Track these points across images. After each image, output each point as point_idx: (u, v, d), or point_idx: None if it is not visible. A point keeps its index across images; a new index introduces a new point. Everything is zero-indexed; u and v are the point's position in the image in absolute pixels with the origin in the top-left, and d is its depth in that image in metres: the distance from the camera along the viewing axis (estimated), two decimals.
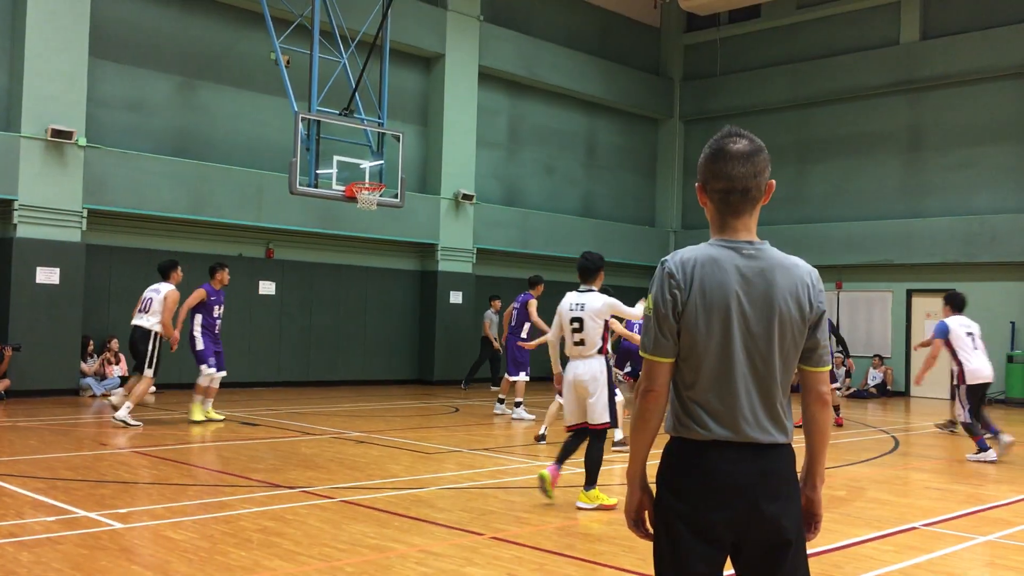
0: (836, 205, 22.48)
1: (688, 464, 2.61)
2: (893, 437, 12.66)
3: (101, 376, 15.33)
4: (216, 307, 12.37)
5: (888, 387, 20.58)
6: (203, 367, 12.10)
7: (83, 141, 14.85)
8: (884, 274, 21.30)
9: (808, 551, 2.70)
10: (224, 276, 12.60)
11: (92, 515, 6.46)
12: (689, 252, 2.66)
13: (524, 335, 13.88)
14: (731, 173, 2.65)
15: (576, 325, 7.41)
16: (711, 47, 25.01)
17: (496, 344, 18.13)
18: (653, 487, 2.72)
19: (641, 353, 2.71)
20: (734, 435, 2.58)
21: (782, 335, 2.60)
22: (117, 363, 15.52)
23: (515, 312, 14.27)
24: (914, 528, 6.87)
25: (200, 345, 12.14)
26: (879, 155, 21.99)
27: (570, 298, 7.59)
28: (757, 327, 2.59)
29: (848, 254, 21.47)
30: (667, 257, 2.68)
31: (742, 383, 2.59)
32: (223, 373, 12.45)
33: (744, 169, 2.65)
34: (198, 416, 12.03)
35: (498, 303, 18.43)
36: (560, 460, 7.45)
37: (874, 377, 20.71)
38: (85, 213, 14.97)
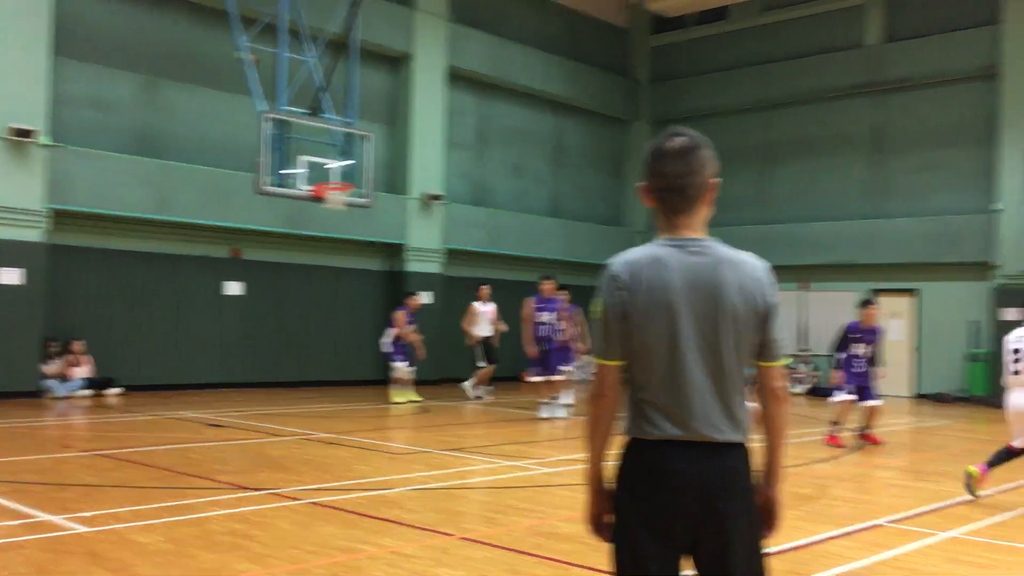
0: (801, 206, 22.72)
1: (643, 464, 2.60)
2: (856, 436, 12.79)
3: (63, 378, 15.12)
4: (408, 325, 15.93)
5: None
6: (396, 364, 15.94)
7: (46, 140, 14.64)
8: (848, 274, 21.56)
9: (774, 549, 2.73)
10: (413, 301, 16.38)
11: (56, 519, 6.38)
12: (634, 253, 2.65)
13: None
14: (666, 171, 2.65)
15: (1016, 356, 7.70)
16: (678, 48, 25.17)
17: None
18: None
19: (591, 357, 2.71)
20: (687, 434, 2.56)
21: (732, 330, 2.58)
22: (81, 364, 15.31)
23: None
24: (878, 525, 6.97)
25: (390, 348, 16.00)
26: (843, 156, 22.26)
27: (1018, 332, 7.87)
28: (706, 324, 2.57)
29: (813, 255, 21.70)
30: (611, 260, 2.67)
31: (693, 382, 2.57)
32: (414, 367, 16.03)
33: (678, 167, 2.63)
34: (398, 398, 15.88)
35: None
36: (992, 464, 7.92)
37: None
38: (48, 213, 14.76)
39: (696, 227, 2.67)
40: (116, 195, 15.42)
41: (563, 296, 14.14)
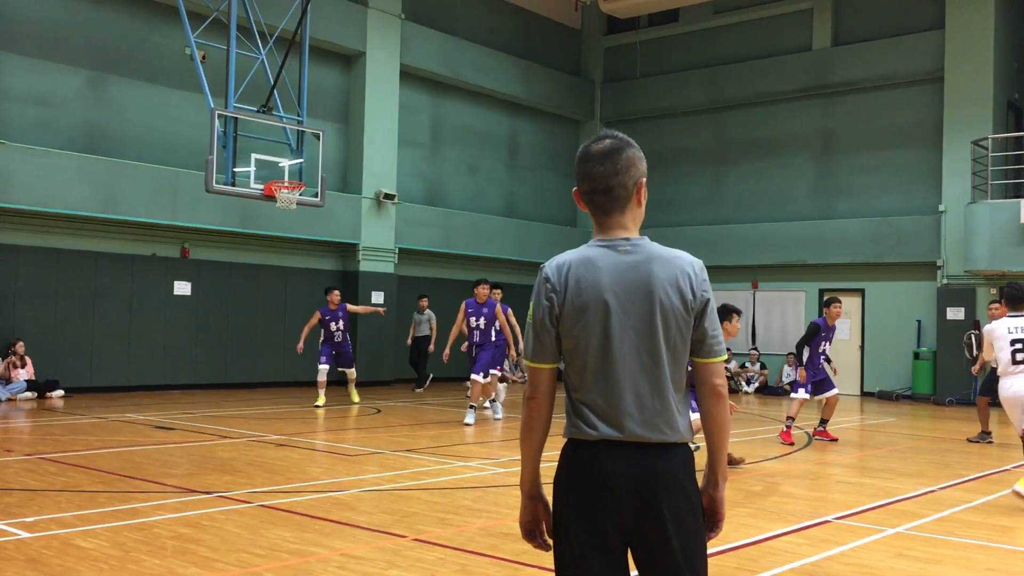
0: (751, 206, 22.99)
1: (579, 465, 2.58)
2: (807, 433, 12.97)
3: (5, 380, 14.75)
4: (332, 323, 15.07)
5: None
6: (318, 365, 15.11)
7: None
8: (797, 274, 21.86)
9: (724, 546, 2.73)
10: (334, 297, 15.13)
11: None
12: (565, 256, 2.65)
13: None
14: (592, 173, 2.65)
15: (1019, 346, 8.11)
16: (631, 50, 25.33)
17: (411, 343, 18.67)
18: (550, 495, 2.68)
19: (523, 360, 2.69)
20: (622, 434, 2.54)
21: (666, 327, 2.56)
22: (23, 366, 14.95)
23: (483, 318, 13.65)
24: (827, 521, 7.06)
25: (319, 347, 15.24)
26: (793, 158, 22.57)
27: (1010, 323, 8.20)
28: (638, 321, 2.56)
29: (763, 254, 21.97)
30: (545, 263, 2.67)
31: (627, 380, 2.55)
32: (351, 369, 15.52)
33: (603, 168, 2.64)
34: (319, 401, 14.88)
35: (424, 302, 18.49)
36: None
37: (788, 375, 21.22)
38: None
39: (628, 227, 2.66)
40: (61, 193, 15.08)
41: (496, 296, 14.14)
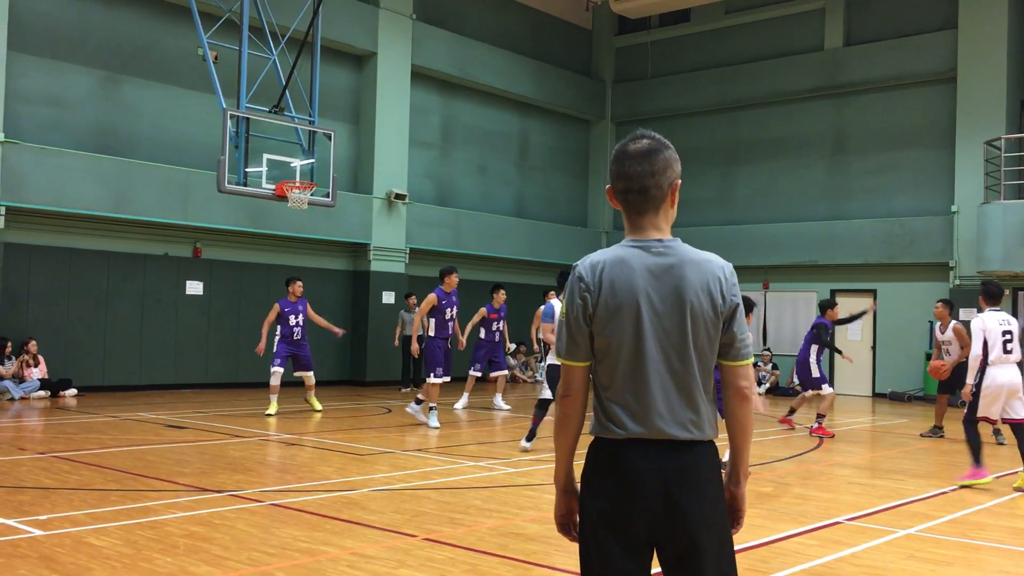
0: (762, 207, 22.94)
1: (607, 463, 2.62)
2: (806, 429, 12.94)
3: (19, 379, 14.84)
4: (292, 316, 13.69)
5: None
6: (271, 368, 13.65)
7: (1, 136, 14.36)
8: (808, 275, 21.80)
9: (735, 547, 2.73)
10: (296, 288, 13.73)
11: (10, 522, 6.25)
12: (599, 255, 2.69)
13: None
14: (629, 172, 2.69)
15: (1008, 337, 8.78)
16: (642, 50, 25.30)
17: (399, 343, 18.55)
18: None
19: (556, 358, 2.73)
20: (650, 432, 2.59)
21: (695, 330, 2.61)
22: (36, 365, 15.04)
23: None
24: (838, 523, 7.04)
25: (275, 348, 13.70)
26: (804, 158, 22.50)
27: (996, 316, 8.86)
28: (669, 323, 2.60)
29: (774, 255, 21.91)
30: (579, 262, 2.71)
31: (657, 380, 2.60)
32: (309, 372, 13.99)
33: (641, 168, 2.67)
34: (271, 409, 13.49)
35: (413, 300, 18.38)
36: None
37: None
38: (2, 211, 14.49)
39: (661, 228, 2.71)
40: (73, 193, 15.16)
41: (500, 299, 15.04)
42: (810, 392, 13.18)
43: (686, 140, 23.84)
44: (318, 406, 14.13)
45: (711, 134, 23.82)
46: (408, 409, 13.16)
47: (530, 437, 10.29)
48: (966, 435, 8.98)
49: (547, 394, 10.28)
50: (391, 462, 9.55)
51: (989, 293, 9.00)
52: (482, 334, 14.98)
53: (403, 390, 18.45)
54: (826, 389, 12.86)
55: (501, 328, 15.08)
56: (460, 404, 15.11)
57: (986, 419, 8.85)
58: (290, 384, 16.91)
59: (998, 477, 9.17)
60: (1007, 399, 8.67)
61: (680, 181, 2.74)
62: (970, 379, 8.97)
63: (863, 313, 14.72)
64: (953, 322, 12.77)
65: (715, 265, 2.67)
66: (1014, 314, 18.08)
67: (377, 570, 5.35)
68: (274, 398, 13.56)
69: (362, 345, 19.54)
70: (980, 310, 9.13)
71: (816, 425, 12.71)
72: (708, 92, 23.73)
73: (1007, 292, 18.34)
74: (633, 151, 2.69)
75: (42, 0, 15.57)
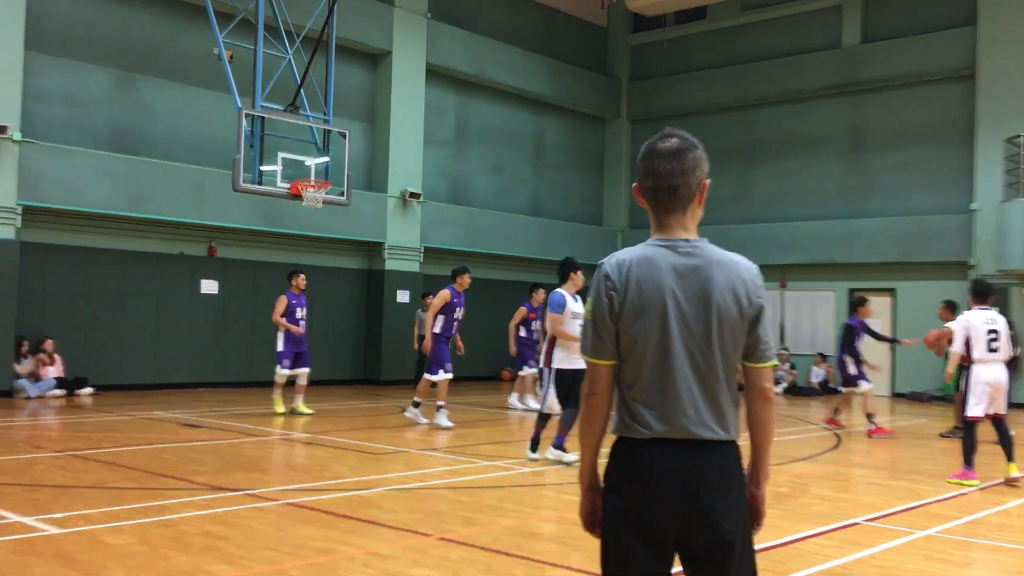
0: (780, 205, 22.82)
1: (631, 462, 2.62)
2: (835, 434, 12.86)
3: (36, 377, 14.91)
4: (299, 309, 13.45)
5: (830, 384, 20.94)
6: (278, 367, 13.32)
7: (18, 135, 14.44)
8: (826, 273, 21.67)
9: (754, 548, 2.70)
10: (300, 281, 13.58)
11: (27, 520, 6.27)
12: (625, 253, 2.68)
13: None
14: (658, 171, 2.68)
15: (993, 335, 8.99)
16: (657, 48, 25.21)
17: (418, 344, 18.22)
18: None
19: (581, 356, 2.72)
20: (674, 432, 2.59)
21: (721, 331, 2.61)
22: (52, 364, 15.11)
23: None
24: (856, 524, 6.98)
25: (280, 347, 13.36)
26: (821, 156, 22.36)
27: (983, 315, 9.05)
28: (695, 324, 2.60)
29: (792, 253, 21.79)
30: (604, 260, 2.70)
31: (682, 380, 2.60)
32: (307, 370, 13.61)
33: (670, 167, 2.67)
34: (279, 408, 13.30)
35: (430, 300, 18.23)
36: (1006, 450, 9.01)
37: (816, 375, 21.08)
38: (20, 210, 14.56)
39: (688, 227, 2.71)
40: (89, 192, 15.23)
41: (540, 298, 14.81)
42: (846, 390, 13.37)
43: (702, 138, 22.99)
44: (309, 410, 13.51)
45: (727, 132, 23.71)
46: (407, 413, 12.95)
47: (534, 447, 9.54)
48: (963, 435, 9.11)
49: (551, 404, 9.28)
50: (406, 461, 9.53)
51: (977, 292, 9.24)
52: (522, 332, 15.17)
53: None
54: (863, 385, 13.00)
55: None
56: (531, 403, 14.79)
57: (980, 419, 8.94)
58: (322, 382, 16.89)
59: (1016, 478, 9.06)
60: (995, 395, 8.88)
61: (709, 181, 2.74)
62: (949, 369, 9.46)
63: (896, 342, 15.08)
64: (948, 323, 12.73)
65: (741, 267, 2.68)
66: None
67: (392, 569, 5.33)
68: (280, 394, 13.46)
69: (377, 344, 19.55)
70: (969, 308, 9.32)
71: (873, 427, 12.76)
72: (724, 90, 23.62)
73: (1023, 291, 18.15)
74: (662, 150, 2.69)
75: (59, 0, 15.64)
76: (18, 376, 14.73)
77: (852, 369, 13.08)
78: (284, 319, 13.28)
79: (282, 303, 13.34)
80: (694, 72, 24.29)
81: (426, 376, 12.48)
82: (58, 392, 14.99)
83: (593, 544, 2.76)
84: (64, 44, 15.70)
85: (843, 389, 13.61)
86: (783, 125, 22.97)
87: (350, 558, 5.55)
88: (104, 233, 16.08)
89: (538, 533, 6.40)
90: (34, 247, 15.17)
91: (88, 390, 15.44)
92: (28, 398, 14.54)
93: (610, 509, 2.65)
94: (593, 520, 2.78)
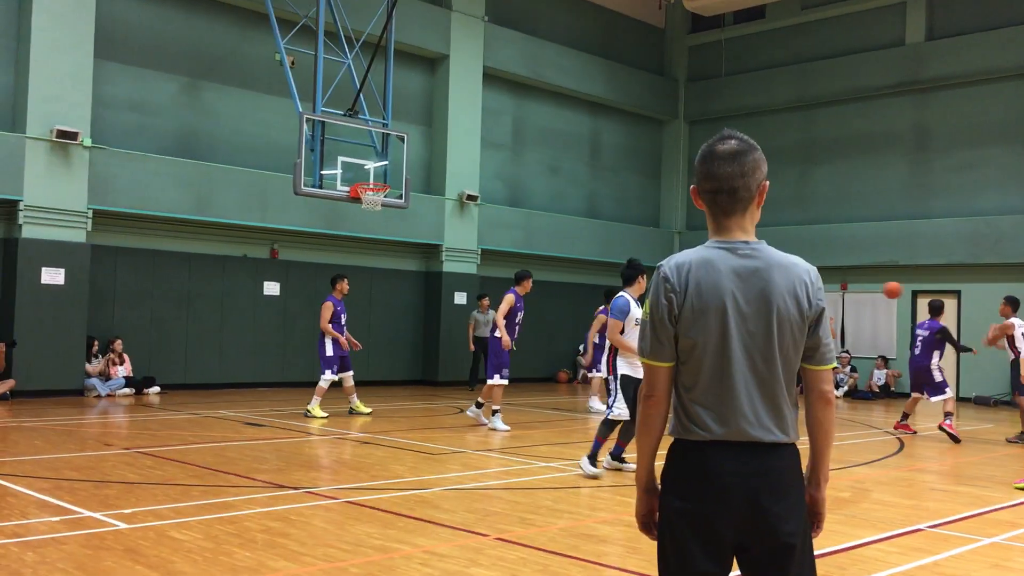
0: (841, 206, 22.45)
1: (690, 465, 2.62)
2: (898, 438, 12.63)
3: (106, 377, 15.35)
4: (343, 315, 13.46)
5: (892, 388, 20.56)
6: (327, 372, 13.25)
7: (88, 142, 14.88)
8: (889, 275, 21.20)
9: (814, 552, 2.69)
10: (344, 286, 13.56)
11: (96, 515, 6.46)
12: (684, 255, 2.68)
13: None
14: (718, 173, 2.67)
15: None
16: (716, 48, 24.99)
17: (473, 345, 18.31)
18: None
19: (640, 358, 2.72)
20: (734, 435, 2.59)
21: (781, 334, 2.61)
22: (121, 363, 15.54)
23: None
24: (919, 530, 6.85)
25: (329, 351, 13.31)
26: (884, 156, 21.95)
27: None
28: (755, 326, 2.60)
29: (853, 255, 21.43)
30: (663, 262, 2.70)
31: (742, 383, 2.60)
32: (352, 372, 13.69)
33: (731, 169, 2.66)
34: (318, 413, 13.12)
35: (486, 302, 18.34)
36: None
37: (878, 378, 20.70)
38: (90, 214, 15.00)
39: (747, 229, 2.71)
40: (156, 196, 15.63)
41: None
42: (935, 399, 12.80)
43: (761, 138, 22.99)
44: (367, 409, 13.67)
45: (787, 132, 23.40)
46: (468, 412, 13.04)
47: (593, 459, 8.81)
48: None
49: (619, 411, 8.83)
50: (463, 461, 9.61)
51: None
52: (597, 339, 15.07)
53: (474, 389, 18.52)
54: (948, 393, 12.77)
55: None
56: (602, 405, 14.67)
57: None
58: (379, 383, 17.13)
59: None
60: None
61: (768, 183, 2.74)
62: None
63: (970, 351, 14.76)
64: (1010, 319, 12.48)
65: (801, 269, 2.66)
66: None
67: (449, 568, 5.39)
68: (320, 401, 13.23)
69: (434, 345, 19.71)
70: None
71: (948, 421, 12.48)
72: (784, 89, 23.33)
73: None
74: (722, 152, 2.69)
75: (127, 9, 16.08)
76: (89, 375, 15.18)
77: (940, 376, 12.74)
78: (331, 326, 13.22)
79: (328, 310, 13.24)
80: (753, 72, 24.03)
81: (490, 382, 12.42)
82: (127, 391, 15.41)
83: (651, 547, 2.78)
84: (132, 52, 16.13)
85: (932, 399, 12.80)
86: (844, 124, 22.60)
87: (408, 557, 5.62)
88: (170, 236, 16.48)
89: (595, 535, 6.41)
90: (104, 250, 15.61)
91: (155, 389, 15.84)
92: (98, 396, 14.97)
93: (668, 511, 2.65)
94: (649, 521, 2.79)
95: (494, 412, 12.37)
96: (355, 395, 13.77)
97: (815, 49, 23.07)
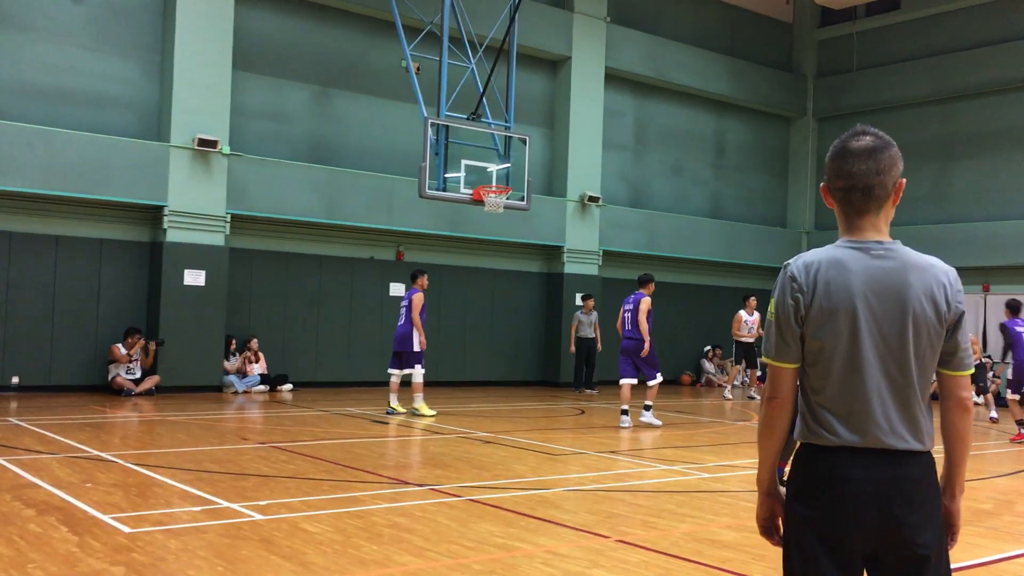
0: (982, 204, 21.38)
1: (818, 471, 2.55)
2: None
3: (242, 374, 16.04)
4: (425, 312, 13.53)
5: None
6: (420, 367, 13.28)
7: (227, 149, 15.58)
8: None
9: (950, 565, 2.59)
10: (425, 280, 13.53)
11: (234, 506, 6.76)
12: (813, 255, 2.61)
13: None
14: (852, 171, 2.59)
15: None
16: (847, 41, 24.18)
17: (574, 347, 18.35)
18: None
19: (764, 359, 2.67)
20: (866, 441, 2.51)
21: (917, 338, 2.51)
22: (257, 361, 16.20)
23: (628, 314, 13.10)
24: None
25: (419, 347, 13.27)
26: None
27: None
28: (888, 329, 2.51)
29: (995, 255, 20.38)
30: (790, 260, 2.64)
31: (874, 388, 2.51)
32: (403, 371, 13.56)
33: (866, 166, 2.57)
34: (426, 411, 13.13)
35: (591, 303, 18.30)
36: None
37: None
38: (228, 218, 15.71)
39: (881, 228, 2.61)
40: (290, 200, 16.25)
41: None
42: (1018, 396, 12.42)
43: (896, 134, 22.04)
44: (432, 411, 13.37)
45: (924, 127, 22.44)
46: (642, 418, 12.98)
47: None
48: None
49: None
50: (584, 463, 9.61)
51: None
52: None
53: (586, 391, 18.44)
54: None
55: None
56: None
57: None
58: (503, 383, 17.29)
59: None
60: None
61: (904, 180, 2.64)
62: None
63: None
64: None
65: (939, 270, 2.56)
66: None
67: (570, 569, 5.41)
68: (421, 395, 13.32)
69: (556, 346, 19.76)
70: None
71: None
72: (920, 83, 22.38)
73: None
74: (856, 148, 2.60)
75: (262, 23, 16.77)
76: (227, 372, 15.90)
77: None
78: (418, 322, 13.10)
79: (421, 300, 13.11)
80: (887, 65, 23.14)
81: (651, 383, 12.85)
82: (262, 388, 16.06)
83: (776, 554, 2.72)
84: (267, 63, 16.81)
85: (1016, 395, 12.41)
86: (985, 118, 21.50)
87: (529, 556, 5.67)
88: (303, 239, 17.09)
89: (718, 540, 6.31)
90: (240, 252, 16.32)
91: (288, 386, 16.45)
92: (236, 393, 15.66)
93: (796, 518, 2.58)
94: (770, 526, 2.73)
95: (646, 407, 12.94)
96: (396, 394, 13.51)
97: (954, 40, 22.04)
